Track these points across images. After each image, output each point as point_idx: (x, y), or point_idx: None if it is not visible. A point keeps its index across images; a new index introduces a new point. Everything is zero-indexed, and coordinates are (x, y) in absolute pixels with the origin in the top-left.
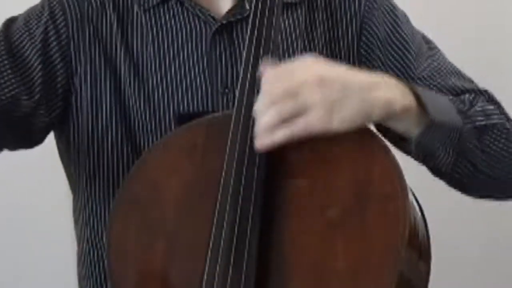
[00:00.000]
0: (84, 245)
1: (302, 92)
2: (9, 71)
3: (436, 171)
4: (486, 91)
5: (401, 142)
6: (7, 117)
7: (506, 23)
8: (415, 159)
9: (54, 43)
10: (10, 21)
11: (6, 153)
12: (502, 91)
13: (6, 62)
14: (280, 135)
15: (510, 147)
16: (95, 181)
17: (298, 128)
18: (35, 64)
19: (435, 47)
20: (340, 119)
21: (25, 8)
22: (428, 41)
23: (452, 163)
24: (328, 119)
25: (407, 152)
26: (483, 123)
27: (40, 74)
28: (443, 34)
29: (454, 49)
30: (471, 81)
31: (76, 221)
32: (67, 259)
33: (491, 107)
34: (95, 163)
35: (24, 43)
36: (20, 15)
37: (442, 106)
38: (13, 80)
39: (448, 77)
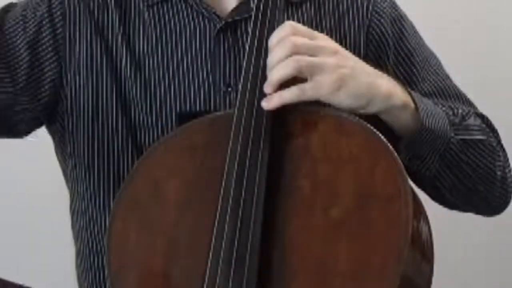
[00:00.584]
0: (83, 244)
1: (321, 54)
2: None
3: (419, 176)
4: (483, 116)
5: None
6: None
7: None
8: (401, 158)
9: (48, 37)
10: (9, 7)
11: (6, 153)
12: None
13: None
14: (288, 95)
15: (493, 164)
16: (95, 179)
17: (308, 88)
18: (24, 54)
19: (440, 65)
20: (346, 92)
21: None
22: (435, 58)
23: (435, 168)
24: (337, 88)
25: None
26: (470, 137)
27: (26, 64)
28: (443, 34)
29: (454, 48)
30: (472, 105)
31: (73, 221)
32: (66, 259)
33: (482, 124)
34: (95, 161)
35: (16, 31)
36: (18, 3)
37: (435, 113)
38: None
39: (449, 99)
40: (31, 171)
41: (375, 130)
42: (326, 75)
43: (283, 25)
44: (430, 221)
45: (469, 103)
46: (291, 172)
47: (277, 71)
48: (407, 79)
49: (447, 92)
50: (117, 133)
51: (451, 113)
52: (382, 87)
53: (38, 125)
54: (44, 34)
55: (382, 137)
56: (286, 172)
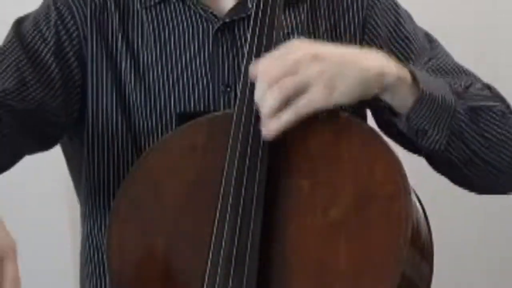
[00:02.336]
0: (88, 245)
1: (300, 69)
2: (32, 76)
3: (432, 154)
4: (490, 86)
5: (395, 118)
6: (33, 124)
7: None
8: (408, 135)
9: (67, 42)
10: (19, 24)
11: None
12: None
13: (28, 66)
14: (286, 118)
15: (507, 132)
16: (97, 180)
17: (302, 105)
18: (52, 67)
19: (438, 45)
20: (340, 92)
21: (25, 8)
22: (431, 40)
23: (445, 142)
24: (329, 93)
25: (400, 130)
26: (477, 103)
27: (58, 76)
28: (442, 32)
29: (453, 48)
30: (475, 77)
31: (82, 225)
32: (66, 259)
33: (488, 92)
34: (98, 161)
35: (37, 46)
36: (26, 17)
37: (436, 83)
38: (37, 85)
39: (449, 75)
40: (32, 172)
41: (374, 129)
42: (314, 87)
43: (256, 65)
44: (430, 221)
45: (472, 75)
46: (291, 172)
47: (265, 105)
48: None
49: (448, 70)
50: (117, 132)
51: (453, 83)
52: (373, 69)
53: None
54: (63, 42)
55: (382, 136)
56: (286, 172)
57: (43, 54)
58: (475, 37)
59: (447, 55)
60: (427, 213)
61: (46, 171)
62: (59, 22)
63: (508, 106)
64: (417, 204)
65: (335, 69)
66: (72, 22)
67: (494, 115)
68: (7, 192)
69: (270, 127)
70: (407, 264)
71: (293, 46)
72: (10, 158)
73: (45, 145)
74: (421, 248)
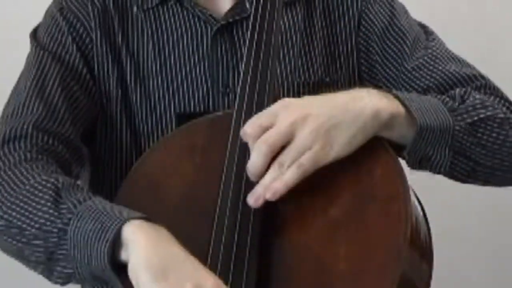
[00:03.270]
0: None
1: (296, 133)
2: (76, 88)
3: (436, 172)
4: (484, 76)
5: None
6: (90, 135)
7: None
8: (411, 167)
9: (83, 47)
10: (38, 39)
11: None
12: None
13: (72, 83)
14: (290, 175)
15: (505, 136)
16: (98, 179)
17: (306, 161)
18: (84, 73)
19: (435, 37)
20: (341, 145)
21: (25, 9)
22: (427, 31)
23: (449, 163)
24: (330, 149)
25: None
26: (475, 118)
27: (91, 82)
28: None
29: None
30: (470, 66)
31: None
32: None
33: (484, 97)
34: (98, 161)
35: (63, 55)
36: (37, 30)
37: (430, 108)
38: (82, 97)
39: (446, 64)
40: None
41: None
42: (313, 149)
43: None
44: (430, 221)
45: (467, 65)
46: None
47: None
48: (400, 59)
49: (442, 57)
50: (119, 132)
51: (448, 99)
52: (365, 108)
53: None
54: (79, 45)
55: (381, 138)
56: None
57: (71, 61)
58: (474, 33)
59: (442, 44)
60: (427, 213)
61: None
62: (72, 29)
63: (504, 99)
64: (417, 204)
65: (329, 124)
66: (82, 28)
67: (492, 124)
68: None
69: (277, 190)
70: (406, 264)
71: (279, 108)
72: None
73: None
74: (420, 248)
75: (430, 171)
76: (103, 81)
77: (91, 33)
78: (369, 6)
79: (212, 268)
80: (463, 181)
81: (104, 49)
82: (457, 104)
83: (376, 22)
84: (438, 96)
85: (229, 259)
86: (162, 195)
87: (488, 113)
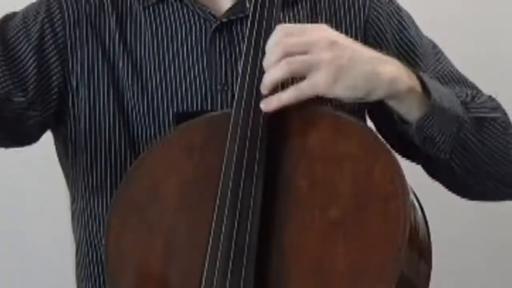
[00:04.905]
0: (83, 246)
1: (314, 50)
2: (3, 67)
3: (434, 159)
4: (491, 97)
5: (402, 124)
6: (2, 116)
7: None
8: (416, 141)
9: (51, 41)
10: (8, 17)
11: (6, 153)
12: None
13: (0, 58)
14: (286, 97)
15: (506, 142)
16: (93, 180)
17: (304, 87)
18: (30, 62)
19: (440, 51)
20: (344, 85)
21: (23, 6)
22: (434, 45)
23: (450, 150)
24: (333, 83)
25: (404, 133)
26: (483, 115)
27: (34, 71)
28: (442, 34)
29: (452, 48)
30: (475, 88)
31: (74, 224)
32: (66, 260)
33: (492, 103)
34: (93, 162)
35: (19, 40)
36: (18, 12)
37: (445, 94)
38: (7, 77)
39: (452, 83)
40: (32, 171)
41: (373, 130)
42: (320, 71)
43: (275, 30)
44: (429, 221)
45: (474, 87)
46: (289, 172)
47: (269, 74)
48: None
49: (451, 78)
50: (114, 133)
51: (460, 93)
52: (385, 74)
53: (46, 131)
54: (46, 39)
55: (380, 137)
56: (284, 171)
57: (22, 48)
58: (474, 37)
59: (450, 63)
60: (426, 212)
61: (47, 171)
62: (46, 20)
63: (509, 119)
64: (416, 204)
65: (346, 62)
66: (60, 21)
67: (498, 126)
68: (7, 192)
69: (270, 104)
70: (405, 263)
71: (317, 26)
72: None
73: (16, 140)
74: (419, 248)
75: (431, 153)
76: (91, 79)
77: (74, 31)
78: (378, 15)
79: (211, 263)
80: (461, 182)
81: (94, 47)
82: (469, 99)
83: (387, 32)
84: (451, 90)
85: (228, 258)
86: (160, 195)
87: (496, 115)
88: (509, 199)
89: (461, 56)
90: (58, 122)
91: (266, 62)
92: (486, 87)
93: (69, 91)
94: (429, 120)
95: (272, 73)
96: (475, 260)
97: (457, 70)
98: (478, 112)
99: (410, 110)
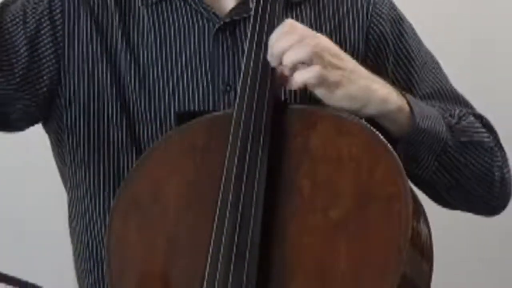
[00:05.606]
0: (83, 246)
1: (322, 57)
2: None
3: (416, 178)
4: (482, 116)
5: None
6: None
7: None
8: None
9: (48, 34)
10: (8, 1)
11: (6, 153)
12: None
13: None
14: (310, 74)
15: (491, 166)
16: (95, 179)
17: (313, 71)
18: (22, 50)
19: (438, 65)
20: (343, 93)
21: None
22: (432, 59)
23: (432, 170)
24: (336, 86)
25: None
26: (467, 139)
27: (24, 59)
28: (440, 36)
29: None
30: (470, 106)
31: (72, 224)
32: (66, 259)
33: (479, 125)
34: (95, 161)
35: (16, 26)
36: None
37: (430, 115)
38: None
39: (444, 101)
40: (31, 171)
41: (375, 130)
42: (330, 72)
43: (283, 23)
44: (430, 221)
45: (467, 105)
46: (291, 172)
47: (294, 53)
48: (405, 80)
49: (445, 94)
50: (116, 131)
51: (447, 115)
52: (378, 92)
53: (36, 122)
54: (43, 31)
55: (382, 137)
56: (286, 172)
57: (17, 35)
58: (474, 37)
59: (445, 78)
60: (427, 213)
61: (46, 171)
62: (46, 12)
63: (496, 139)
64: (417, 204)
65: (349, 74)
66: (59, 15)
67: (482, 150)
68: (7, 192)
69: (295, 81)
70: (407, 264)
71: (322, 36)
72: None
73: (10, 126)
74: (421, 248)
75: (414, 172)
76: (93, 77)
77: (73, 27)
78: (381, 20)
79: (214, 261)
80: (444, 200)
81: (97, 44)
82: (454, 121)
83: (389, 37)
84: (440, 111)
85: (229, 260)
86: (162, 194)
87: (481, 139)
88: (495, 215)
89: (459, 57)
90: (48, 116)
91: (283, 43)
92: (485, 86)
93: (62, 85)
94: (414, 140)
95: (295, 52)
96: (476, 261)
97: (451, 86)
98: (463, 135)
99: (399, 130)
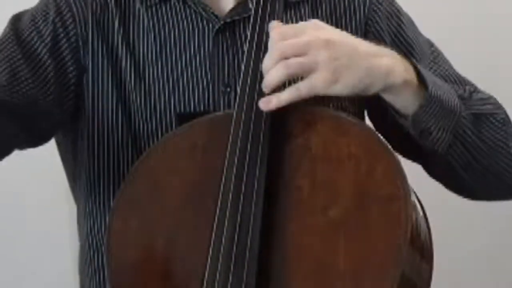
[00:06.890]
0: (88, 245)
1: (311, 51)
2: (25, 72)
3: (433, 155)
4: (490, 95)
5: (400, 117)
6: (23, 118)
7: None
8: (413, 134)
9: (64, 40)
10: (16, 20)
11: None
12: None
13: (21, 62)
14: (285, 97)
15: (504, 138)
16: (96, 179)
17: (302, 87)
18: (47, 63)
19: (437, 51)
20: (343, 84)
21: (25, 8)
22: (432, 47)
23: (447, 145)
24: (332, 81)
25: (402, 127)
26: (481, 110)
27: (52, 73)
28: (442, 34)
29: (452, 49)
30: (474, 86)
31: (80, 225)
32: (66, 258)
33: (491, 99)
34: (96, 159)
35: (33, 41)
36: (24, 12)
37: (443, 87)
38: (29, 81)
39: (450, 84)
40: (31, 171)
41: (374, 130)
42: (319, 72)
43: (270, 32)
44: (430, 222)
45: (472, 86)
46: (291, 172)
47: (269, 76)
48: None
49: (449, 78)
50: (117, 131)
51: (457, 88)
52: (380, 68)
53: (59, 130)
54: (59, 39)
55: (381, 137)
56: (286, 171)
57: (38, 50)
58: (474, 37)
59: (448, 63)
60: (427, 213)
61: (46, 172)
62: (57, 19)
63: (507, 115)
64: (417, 204)
65: (344, 60)
66: (71, 20)
67: (496, 122)
68: (7, 192)
69: (270, 103)
70: (406, 264)
71: (313, 25)
72: None
73: (34, 141)
74: (421, 248)
75: (429, 147)
76: (96, 78)
77: (85, 28)
78: (376, 16)
79: (214, 261)
80: (461, 180)
81: (99, 45)
82: (466, 95)
83: (384, 33)
84: (450, 85)
85: (229, 260)
86: (162, 195)
87: (494, 111)
88: (510, 198)
89: (461, 56)
90: (74, 121)
91: (264, 65)
92: (486, 87)
93: (83, 89)
94: (425, 112)
95: (271, 76)
96: (476, 260)
97: (454, 70)
98: (475, 108)
99: (406, 103)
